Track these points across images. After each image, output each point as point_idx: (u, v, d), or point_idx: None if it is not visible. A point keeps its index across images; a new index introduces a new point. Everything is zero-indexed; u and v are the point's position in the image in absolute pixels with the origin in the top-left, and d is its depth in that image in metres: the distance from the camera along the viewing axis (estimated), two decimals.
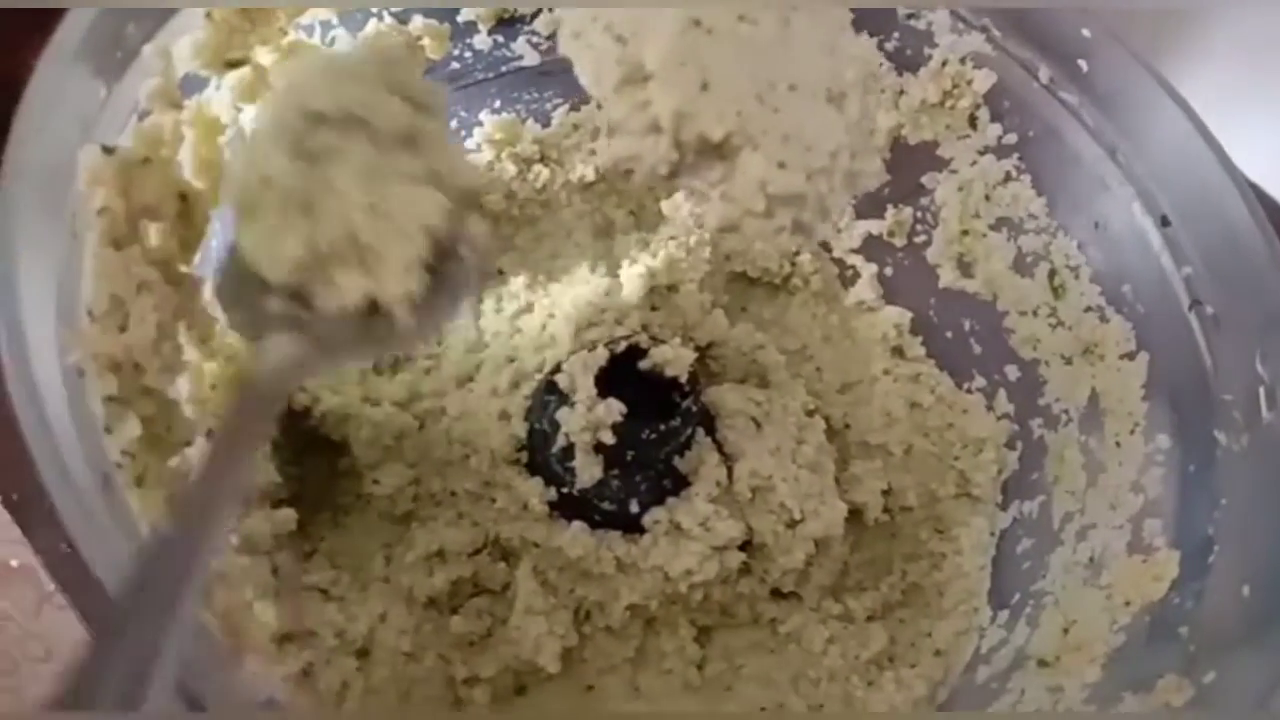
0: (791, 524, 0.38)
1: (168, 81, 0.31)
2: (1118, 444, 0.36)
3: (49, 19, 0.53)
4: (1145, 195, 0.36)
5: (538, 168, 0.45)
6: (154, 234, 0.30)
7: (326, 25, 0.37)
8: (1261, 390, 0.32)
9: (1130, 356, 0.37)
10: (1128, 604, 0.32)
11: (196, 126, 0.33)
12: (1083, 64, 0.37)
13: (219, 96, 0.34)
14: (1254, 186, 0.64)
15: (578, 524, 0.37)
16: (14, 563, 0.46)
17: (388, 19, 0.38)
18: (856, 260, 0.46)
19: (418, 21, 0.39)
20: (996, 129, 0.40)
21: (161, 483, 0.28)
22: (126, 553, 0.24)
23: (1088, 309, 0.39)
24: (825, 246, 0.47)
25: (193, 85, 0.33)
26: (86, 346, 0.26)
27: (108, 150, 0.29)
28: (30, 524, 0.44)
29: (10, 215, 0.26)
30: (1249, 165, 0.64)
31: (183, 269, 0.32)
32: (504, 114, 0.45)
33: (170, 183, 0.32)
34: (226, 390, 0.38)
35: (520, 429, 0.39)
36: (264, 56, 0.35)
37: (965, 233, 0.42)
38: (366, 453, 0.40)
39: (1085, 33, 0.37)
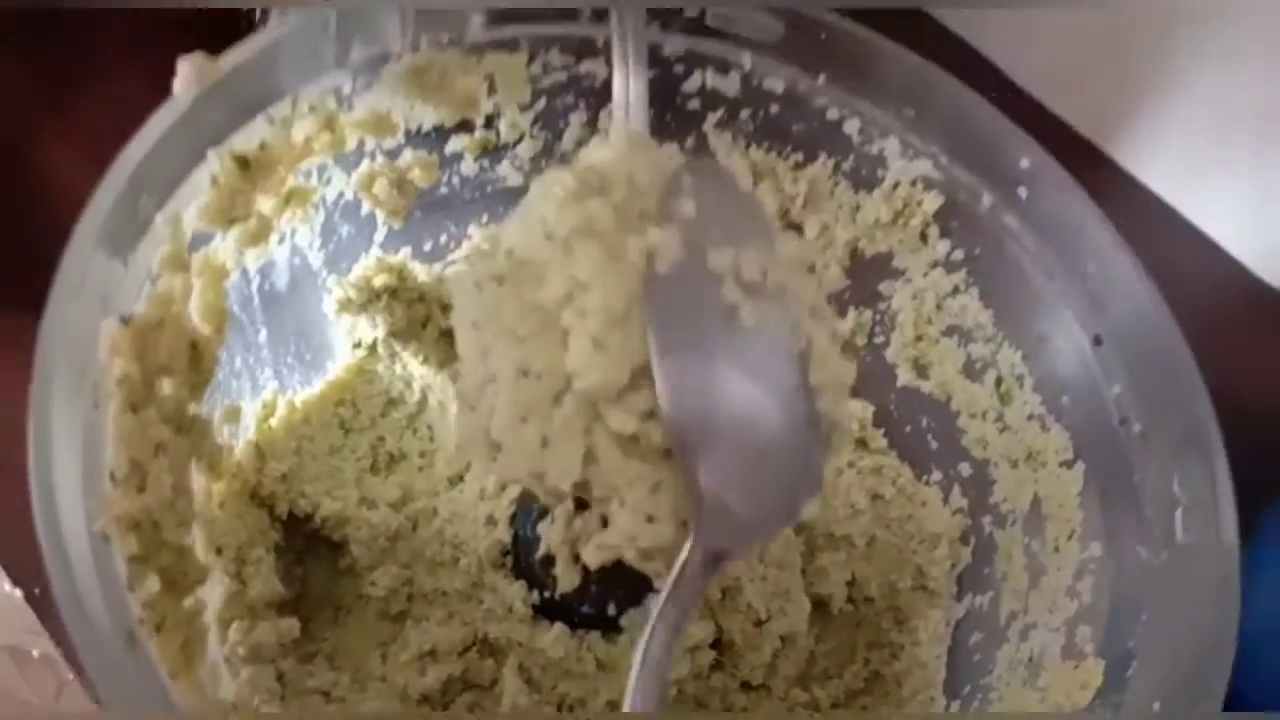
0: (759, 623, 0.41)
1: (177, 247, 0.34)
2: (1056, 549, 0.39)
3: (64, 95, 0.56)
4: (1080, 315, 0.39)
5: None
6: (167, 385, 0.33)
7: (323, 168, 0.40)
8: (1178, 513, 0.34)
9: (1069, 465, 0.40)
10: (1059, 709, 0.35)
11: (203, 276, 0.36)
12: (1022, 191, 0.40)
13: (224, 245, 0.37)
14: (1217, 247, 0.67)
15: (559, 626, 0.40)
16: (35, 653, 0.49)
17: (380, 159, 0.42)
18: None
19: (407, 156, 0.42)
20: (946, 245, 0.43)
21: (178, 626, 0.31)
22: (149, 705, 0.27)
23: (1030, 416, 0.41)
24: None
25: (199, 240, 0.36)
26: (110, 511, 0.29)
27: (125, 321, 0.32)
28: (51, 617, 0.47)
29: (46, 393, 0.29)
30: (1213, 228, 0.68)
31: (192, 410, 0.35)
32: (491, 226, 0.48)
33: (182, 336, 0.35)
34: (235, 505, 0.41)
35: (505, 535, 0.42)
36: (265, 205, 0.38)
37: (919, 338, 0.45)
38: (364, 554, 0.44)
39: (1024, 163, 0.40)
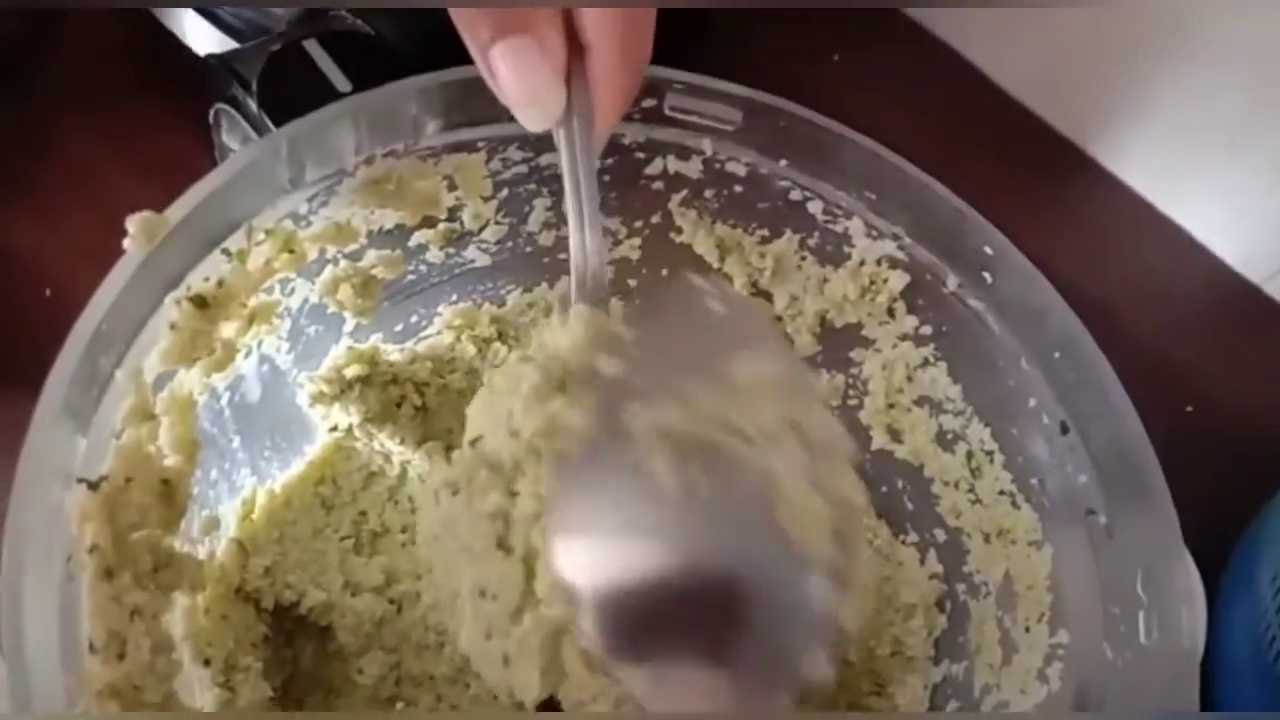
0: None
1: (141, 399, 0.34)
2: (1027, 629, 0.40)
3: (21, 164, 0.56)
4: (1045, 401, 0.39)
5: (496, 345, 0.49)
6: (141, 537, 0.34)
7: (285, 281, 0.40)
8: (1141, 614, 0.35)
9: (1037, 546, 0.40)
10: None
11: (171, 413, 0.36)
12: (986, 275, 0.40)
13: (189, 376, 0.37)
14: (1199, 245, 0.67)
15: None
16: None
17: (343, 263, 0.41)
18: None
19: (371, 255, 0.42)
20: (914, 320, 0.43)
21: None
22: None
23: (1001, 492, 0.42)
24: None
25: (162, 379, 0.36)
26: (92, 687, 0.30)
27: (93, 486, 0.32)
28: None
29: (17, 575, 0.29)
30: (1195, 226, 0.67)
31: (167, 544, 0.36)
32: (461, 304, 0.48)
33: (152, 480, 0.35)
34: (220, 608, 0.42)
35: None
36: (228, 330, 0.38)
37: (891, 405, 0.46)
38: (350, 640, 0.44)
39: (987, 249, 0.40)
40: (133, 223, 0.33)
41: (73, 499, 0.31)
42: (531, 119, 0.33)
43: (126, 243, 0.33)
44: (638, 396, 0.29)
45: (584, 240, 0.33)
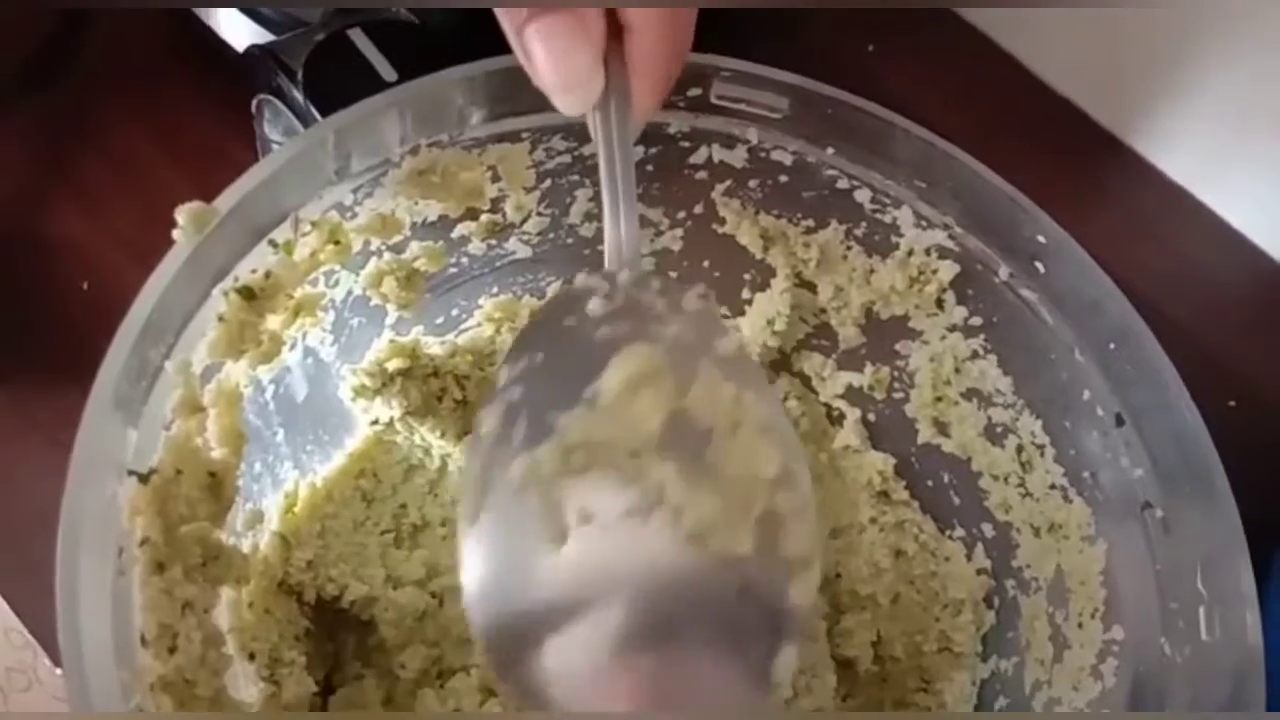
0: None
1: (189, 390, 0.34)
2: (1080, 625, 0.39)
3: (64, 154, 0.56)
4: (1100, 393, 0.39)
5: None
6: (190, 530, 0.34)
7: (330, 273, 0.40)
8: (1202, 610, 0.34)
9: (1090, 541, 0.40)
10: None
11: (217, 405, 0.36)
12: (1039, 265, 0.39)
13: (236, 369, 0.37)
14: (1239, 234, 0.66)
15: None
16: None
17: (386, 255, 0.41)
18: (841, 404, 0.49)
19: (414, 247, 0.42)
20: (963, 311, 0.42)
21: None
22: None
23: (1053, 486, 0.41)
24: (810, 388, 0.50)
25: (209, 371, 0.36)
26: (145, 679, 0.30)
27: (143, 478, 0.32)
28: None
29: (73, 575, 0.29)
30: (1235, 217, 0.67)
31: (216, 538, 0.36)
32: (501, 296, 0.47)
33: (200, 473, 0.35)
34: (264, 601, 0.42)
35: None
36: (273, 323, 0.38)
37: (939, 398, 0.45)
38: (392, 634, 0.44)
39: (1041, 239, 0.39)
40: (182, 213, 0.32)
41: (125, 492, 0.31)
42: (568, 103, 0.32)
43: (176, 233, 0.33)
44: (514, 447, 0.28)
45: (619, 230, 0.32)
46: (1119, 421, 0.38)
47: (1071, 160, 0.66)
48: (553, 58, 0.30)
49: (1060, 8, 0.63)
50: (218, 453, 0.36)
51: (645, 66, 0.32)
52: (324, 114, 0.42)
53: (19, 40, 0.60)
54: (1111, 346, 0.38)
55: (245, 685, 0.40)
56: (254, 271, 0.35)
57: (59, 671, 0.49)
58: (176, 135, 0.59)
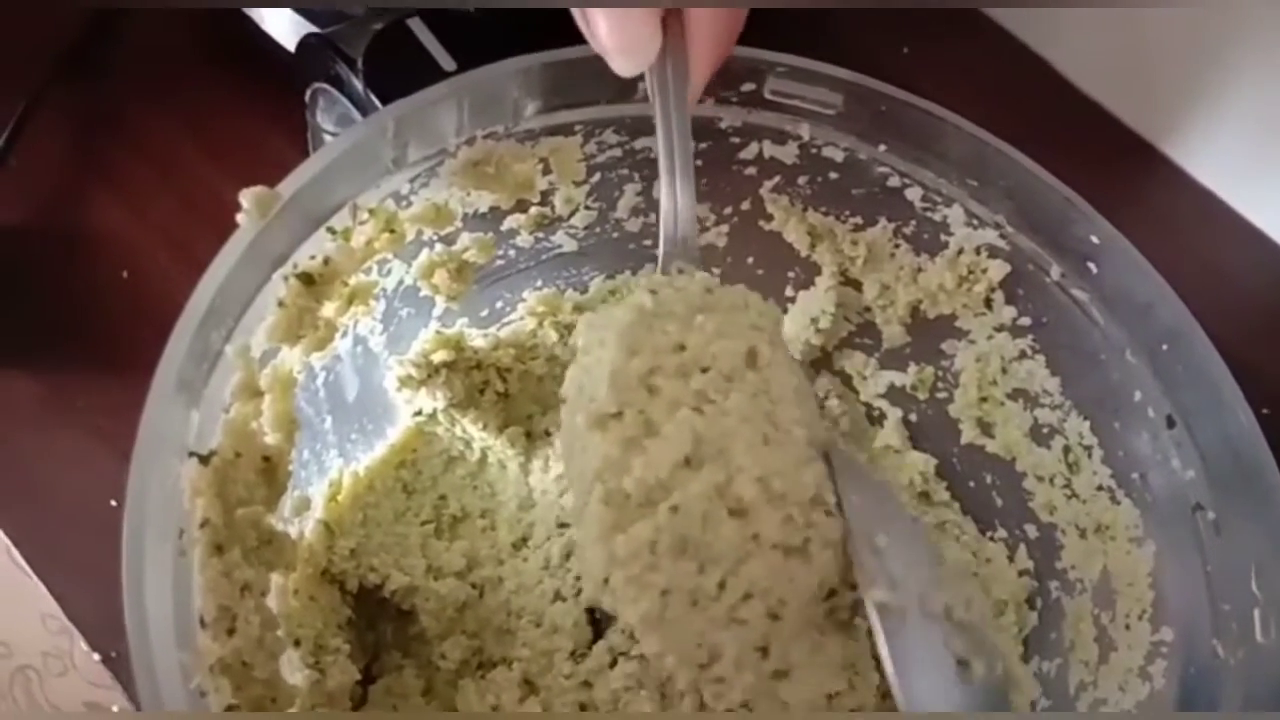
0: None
1: (249, 374, 0.34)
2: (1127, 626, 0.39)
3: (99, 145, 0.56)
4: (1151, 395, 0.39)
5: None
6: (247, 513, 0.34)
7: (383, 262, 0.40)
8: (1256, 612, 0.34)
9: (1138, 543, 0.39)
10: None
11: (273, 390, 0.36)
12: (1092, 265, 0.39)
13: (290, 355, 0.37)
14: (1270, 240, 0.66)
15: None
16: (115, 708, 0.51)
17: (438, 247, 0.41)
18: (882, 404, 0.49)
19: (465, 239, 0.42)
20: (1011, 311, 0.42)
21: None
22: None
23: (1100, 488, 0.41)
24: (851, 387, 0.50)
25: (266, 356, 0.36)
26: (204, 660, 0.30)
27: (204, 460, 0.32)
28: (126, 679, 0.49)
29: (138, 555, 0.29)
30: (1265, 222, 0.66)
31: (268, 523, 0.36)
32: (545, 289, 0.47)
33: (256, 457, 0.35)
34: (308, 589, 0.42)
35: (576, 611, 0.43)
36: (329, 310, 0.38)
37: (984, 399, 0.45)
38: (433, 624, 0.44)
39: (1094, 239, 0.39)
40: (246, 196, 0.33)
41: (186, 473, 0.31)
42: (624, 65, 0.32)
43: (239, 217, 0.33)
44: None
45: (675, 198, 0.32)
46: (1170, 423, 0.38)
47: (1102, 164, 0.66)
48: (612, 19, 0.31)
49: (1091, 7, 0.63)
50: (271, 438, 0.36)
51: (703, 29, 0.32)
52: (384, 102, 0.42)
53: (56, 36, 0.61)
54: (1164, 348, 0.38)
55: (290, 672, 0.40)
56: (313, 258, 0.35)
57: (96, 656, 0.49)
58: (212, 128, 0.59)
